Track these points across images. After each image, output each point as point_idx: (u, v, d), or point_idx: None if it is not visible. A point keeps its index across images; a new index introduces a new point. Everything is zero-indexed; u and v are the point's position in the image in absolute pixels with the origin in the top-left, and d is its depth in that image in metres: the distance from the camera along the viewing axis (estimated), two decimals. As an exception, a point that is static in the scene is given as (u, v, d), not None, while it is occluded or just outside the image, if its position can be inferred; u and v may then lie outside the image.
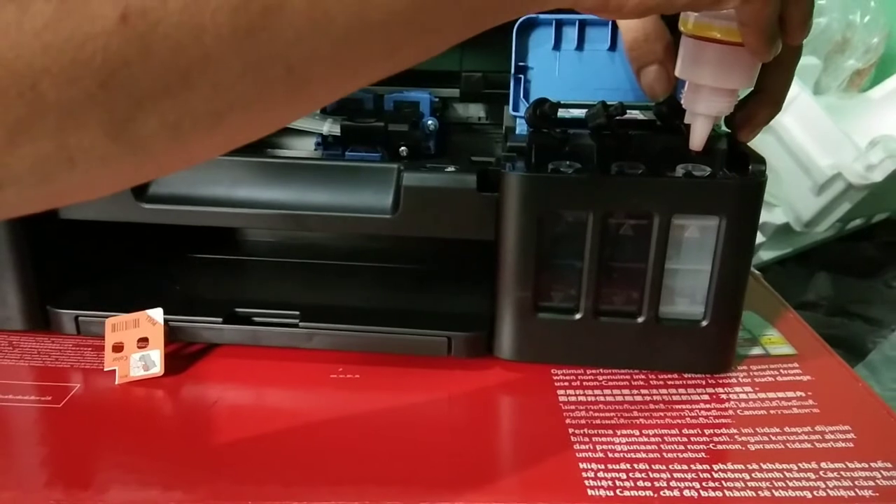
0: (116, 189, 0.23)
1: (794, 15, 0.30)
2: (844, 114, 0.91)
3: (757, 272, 0.52)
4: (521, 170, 0.38)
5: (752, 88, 0.37)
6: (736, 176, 0.37)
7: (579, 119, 0.41)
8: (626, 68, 0.41)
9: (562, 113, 0.41)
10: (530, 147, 0.38)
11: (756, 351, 0.43)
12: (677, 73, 0.36)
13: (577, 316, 0.39)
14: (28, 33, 0.19)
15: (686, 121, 0.37)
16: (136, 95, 0.20)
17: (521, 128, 0.42)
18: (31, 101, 0.19)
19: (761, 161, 0.37)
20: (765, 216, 0.91)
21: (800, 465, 0.33)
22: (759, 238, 0.90)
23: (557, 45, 0.42)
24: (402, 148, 0.46)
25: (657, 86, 0.37)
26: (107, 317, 0.41)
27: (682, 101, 0.37)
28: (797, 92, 0.84)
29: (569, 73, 0.42)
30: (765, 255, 0.93)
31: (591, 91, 0.42)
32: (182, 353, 0.42)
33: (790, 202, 0.88)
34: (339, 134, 0.47)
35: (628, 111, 0.40)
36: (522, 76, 0.42)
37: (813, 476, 0.32)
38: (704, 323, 0.39)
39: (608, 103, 0.39)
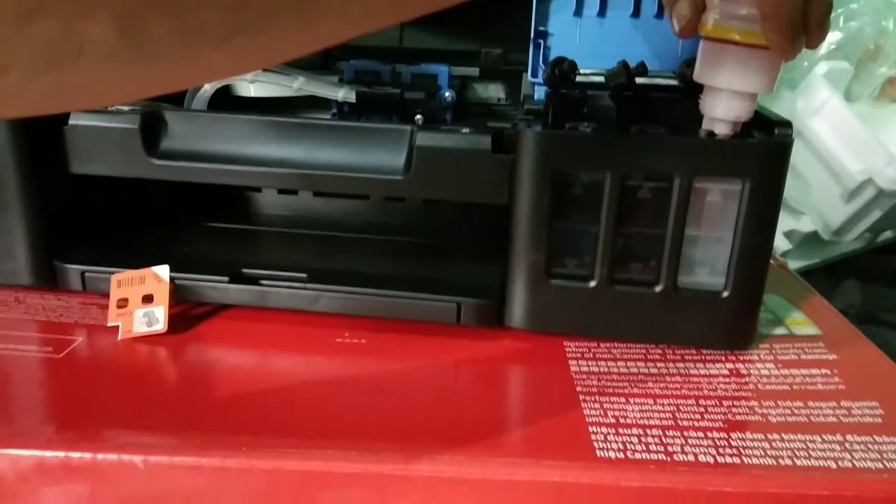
0: (124, 98, 0.23)
1: (814, 11, 0.30)
2: (876, 123, 0.89)
3: (781, 259, 0.50)
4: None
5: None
6: (762, 136, 0.36)
7: (599, 84, 0.40)
8: (649, 36, 0.40)
9: (581, 79, 0.40)
10: (548, 107, 0.37)
11: (779, 331, 0.41)
12: (696, 77, 0.35)
13: (592, 283, 0.38)
14: None
15: (704, 126, 0.36)
16: None
17: (540, 94, 0.42)
18: None
19: (787, 124, 0.36)
20: (792, 224, 0.89)
21: (824, 436, 0.31)
22: (787, 245, 0.88)
23: (579, 11, 0.41)
24: (418, 116, 0.45)
25: (683, 8, 0.35)
26: (113, 273, 0.40)
27: (700, 107, 0.36)
28: (827, 96, 0.82)
29: (590, 40, 0.41)
30: (792, 264, 0.90)
31: (613, 59, 0.41)
32: (188, 314, 0.41)
33: (819, 209, 0.86)
34: (354, 101, 0.46)
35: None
36: (542, 41, 0.42)
37: (838, 447, 0.31)
38: (725, 294, 0.37)
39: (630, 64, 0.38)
